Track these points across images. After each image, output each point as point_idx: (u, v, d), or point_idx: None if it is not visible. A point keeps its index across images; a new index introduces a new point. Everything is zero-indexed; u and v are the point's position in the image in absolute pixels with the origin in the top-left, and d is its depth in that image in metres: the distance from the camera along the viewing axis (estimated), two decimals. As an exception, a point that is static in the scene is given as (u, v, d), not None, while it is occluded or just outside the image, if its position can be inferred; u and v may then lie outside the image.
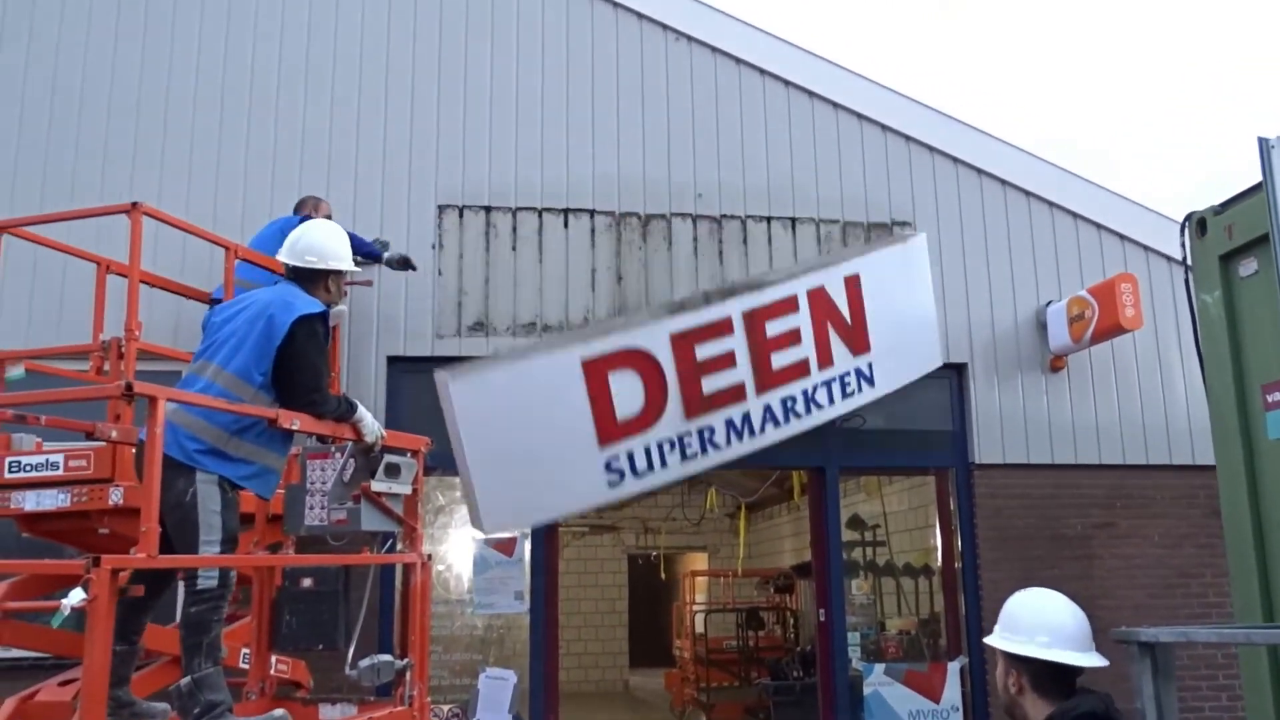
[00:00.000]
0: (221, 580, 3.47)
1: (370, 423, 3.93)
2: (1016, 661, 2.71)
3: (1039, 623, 2.72)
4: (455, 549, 6.65)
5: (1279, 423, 4.02)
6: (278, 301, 3.79)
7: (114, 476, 4.27)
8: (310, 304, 3.83)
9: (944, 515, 7.26)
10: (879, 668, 6.69)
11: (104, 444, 4.26)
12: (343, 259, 4.06)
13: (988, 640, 2.82)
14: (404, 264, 6.52)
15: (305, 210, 6.19)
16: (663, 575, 19.30)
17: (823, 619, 6.73)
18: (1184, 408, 7.31)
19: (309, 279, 3.99)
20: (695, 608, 16.36)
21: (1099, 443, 7.20)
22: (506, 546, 6.43)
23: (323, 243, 4.04)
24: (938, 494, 7.39)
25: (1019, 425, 7.17)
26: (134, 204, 4.86)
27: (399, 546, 4.13)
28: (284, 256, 4.03)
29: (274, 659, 4.62)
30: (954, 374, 7.36)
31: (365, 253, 6.27)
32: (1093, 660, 2.65)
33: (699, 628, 15.84)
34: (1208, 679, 6.80)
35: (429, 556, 4.18)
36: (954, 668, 6.72)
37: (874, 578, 8.34)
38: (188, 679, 3.30)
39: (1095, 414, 7.27)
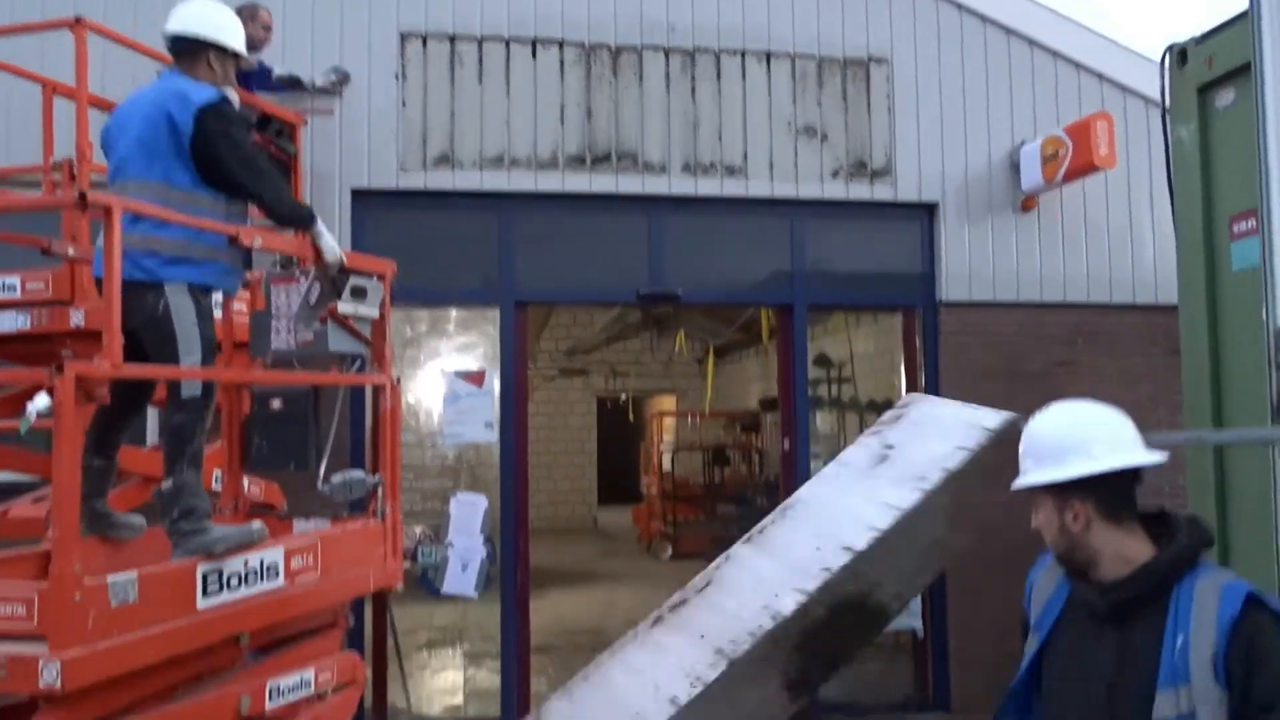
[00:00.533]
0: (205, 390, 3.46)
1: (330, 241, 3.84)
2: (1074, 491, 2.27)
3: (1087, 437, 2.28)
4: (424, 381, 6.70)
5: (1243, 253, 4.06)
6: (170, 99, 3.51)
7: (74, 298, 4.22)
8: (203, 91, 3.57)
9: (909, 352, 7.37)
10: (839, 496, 6.89)
11: (61, 265, 4.19)
12: (224, 32, 3.75)
13: (1026, 482, 2.32)
14: (293, 83, 6.28)
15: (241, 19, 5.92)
16: (631, 417, 19.65)
17: (787, 449, 6.90)
18: (1150, 249, 7.38)
19: (190, 56, 3.69)
20: (663, 447, 16.77)
21: (1065, 282, 7.28)
22: (476, 378, 6.48)
23: (200, 13, 3.75)
24: (904, 331, 7.48)
25: (987, 265, 7.22)
26: (77, 19, 4.63)
27: (368, 369, 4.15)
28: (175, 27, 3.75)
29: (247, 482, 4.70)
30: (925, 214, 7.36)
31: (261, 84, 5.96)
32: (1157, 456, 2.30)
33: (666, 466, 16.29)
34: (1153, 510, 7.08)
35: (398, 379, 4.21)
36: (911, 497, 6.92)
37: (838, 412, 8.52)
38: (169, 482, 3.34)
39: (1063, 254, 7.33)
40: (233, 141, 3.54)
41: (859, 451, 4.44)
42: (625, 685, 4.50)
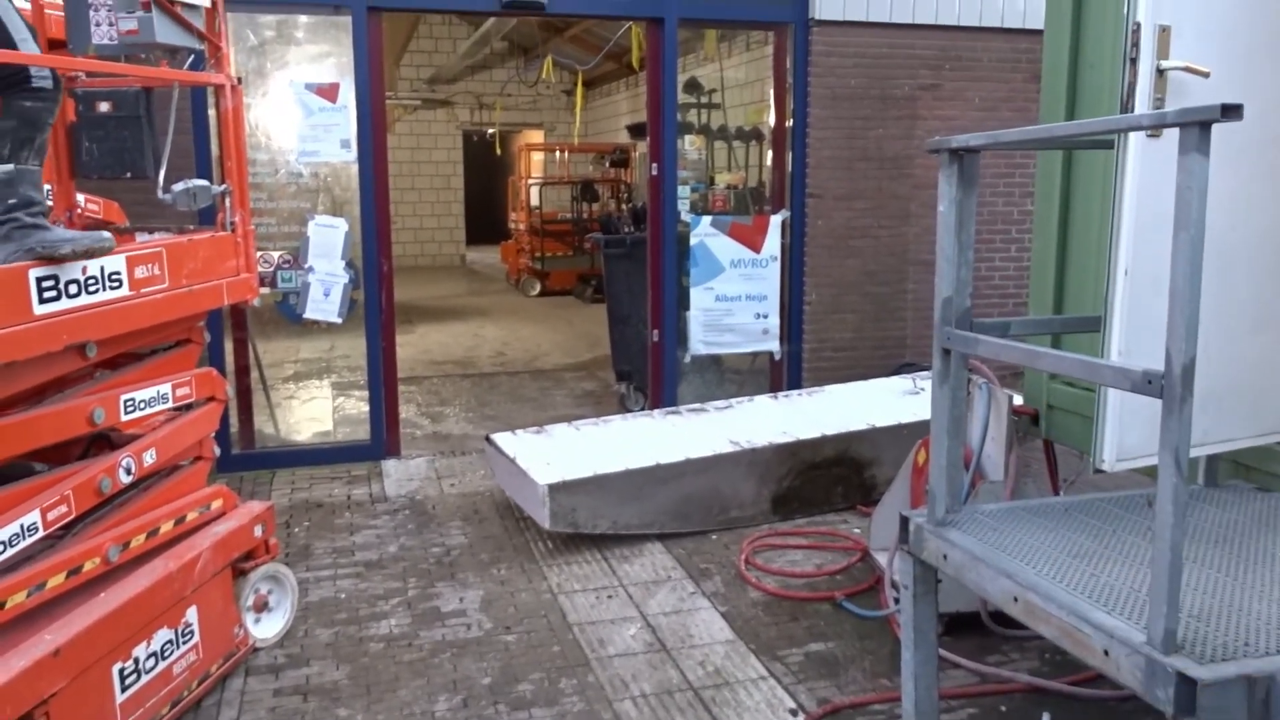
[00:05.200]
0: (55, 82, 3.12)
1: None
2: None
3: None
4: (273, 94, 6.23)
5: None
6: None
7: None
8: None
9: (779, 74, 7.24)
10: (706, 220, 6.94)
11: None
12: None
13: None
14: None
15: None
16: (498, 151, 19.11)
17: (655, 173, 6.82)
18: (1022, -30, 7.28)
19: None
20: (530, 181, 16.48)
21: (936, 2, 7.15)
22: (329, 91, 6.08)
23: None
24: (774, 53, 7.31)
25: (861, -19, 7.02)
26: None
27: (203, 67, 3.81)
28: None
29: (83, 199, 4.38)
30: (802, -75, 7.02)
31: None
32: None
33: (534, 201, 16.07)
34: (1001, 234, 7.39)
35: (238, 79, 3.89)
36: (776, 220, 7.04)
37: (707, 139, 8.45)
38: (11, 167, 3.04)
39: (936, -29, 7.16)
40: None
41: (903, 381, 6.51)
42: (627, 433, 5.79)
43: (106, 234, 3.26)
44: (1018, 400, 4.29)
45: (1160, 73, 2.68)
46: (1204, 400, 2.45)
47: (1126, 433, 2.82)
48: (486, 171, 20.93)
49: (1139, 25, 2.67)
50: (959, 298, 2.94)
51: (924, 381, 6.14)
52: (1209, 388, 2.69)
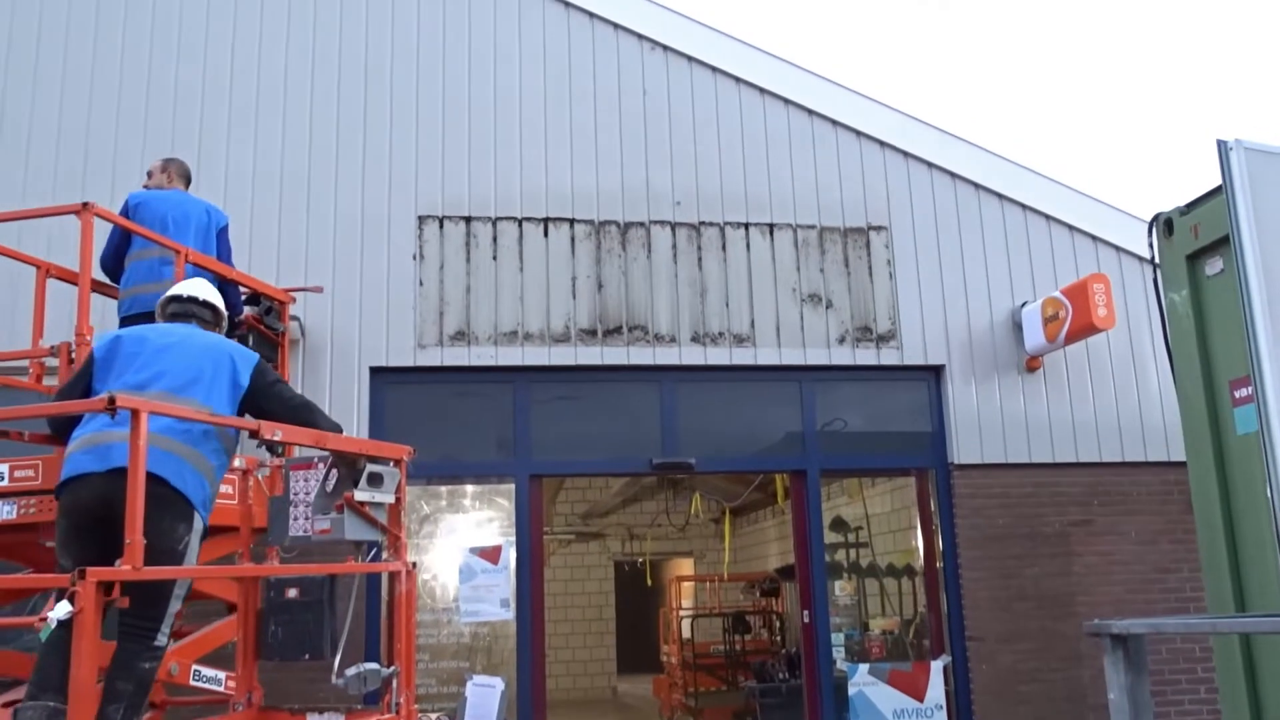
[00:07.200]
0: (168, 640, 3.48)
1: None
2: None
3: None
4: (440, 557, 6.68)
5: (1247, 418, 4.10)
6: (230, 346, 4.03)
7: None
8: (250, 351, 4.12)
9: (924, 515, 7.33)
10: (863, 668, 6.75)
11: (52, 454, 4.20)
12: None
13: None
14: (250, 300, 6.13)
15: (152, 177, 5.76)
16: (649, 581, 19.33)
17: (807, 621, 6.78)
18: (1158, 405, 7.41)
19: (215, 322, 4.26)
20: (682, 613, 16.41)
21: (1075, 441, 7.29)
22: (492, 555, 6.46)
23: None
24: (918, 495, 7.47)
25: (996, 425, 7.26)
26: (85, 204, 4.76)
27: (383, 555, 4.16)
28: (208, 296, 4.27)
29: (223, 674, 4.54)
30: (932, 376, 7.45)
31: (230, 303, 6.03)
32: None
33: (686, 633, 15.89)
34: (1186, 672, 6.90)
35: (413, 564, 4.21)
36: (937, 666, 6.78)
37: (857, 579, 8.41)
38: None
39: (1071, 413, 7.37)
40: (291, 393, 4.10)
41: None
42: None
43: None
44: None
45: (1318, 555, 2.65)
46: None
47: None
48: (638, 600, 21.02)
49: (1285, 508, 2.69)
50: (1145, 797, 2.73)
51: None
52: None
